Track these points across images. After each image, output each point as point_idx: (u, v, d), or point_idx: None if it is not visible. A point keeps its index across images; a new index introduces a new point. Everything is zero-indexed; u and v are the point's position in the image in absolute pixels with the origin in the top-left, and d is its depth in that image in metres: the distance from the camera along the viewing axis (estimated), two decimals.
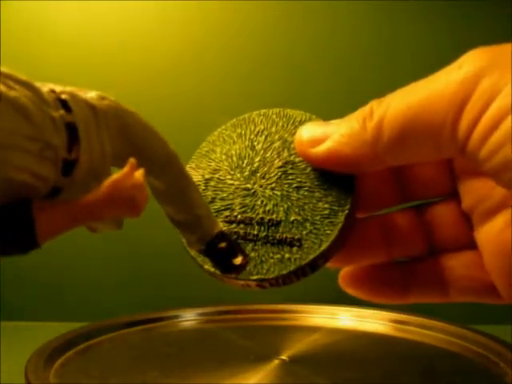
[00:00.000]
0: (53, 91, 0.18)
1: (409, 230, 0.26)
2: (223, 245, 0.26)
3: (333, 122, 0.23)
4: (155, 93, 0.70)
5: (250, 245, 0.27)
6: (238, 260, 0.26)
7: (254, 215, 0.27)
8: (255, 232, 0.27)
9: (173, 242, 0.76)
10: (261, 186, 0.27)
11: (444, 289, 0.25)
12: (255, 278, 0.26)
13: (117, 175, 0.18)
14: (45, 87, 0.19)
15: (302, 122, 0.26)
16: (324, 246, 0.25)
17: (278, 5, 0.68)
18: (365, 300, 0.28)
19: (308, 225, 0.26)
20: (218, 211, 0.28)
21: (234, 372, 0.41)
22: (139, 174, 0.18)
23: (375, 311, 0.54)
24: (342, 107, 0.26)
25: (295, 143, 0.25)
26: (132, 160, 0.18)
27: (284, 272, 0.26)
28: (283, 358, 0.43)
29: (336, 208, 0.25)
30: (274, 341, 0.46)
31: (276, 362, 0.42)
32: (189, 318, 0.56)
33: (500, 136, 0.18)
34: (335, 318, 0.54)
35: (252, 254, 0.26)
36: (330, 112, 0.28)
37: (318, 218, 0.26)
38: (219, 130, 0.30)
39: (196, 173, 0.30)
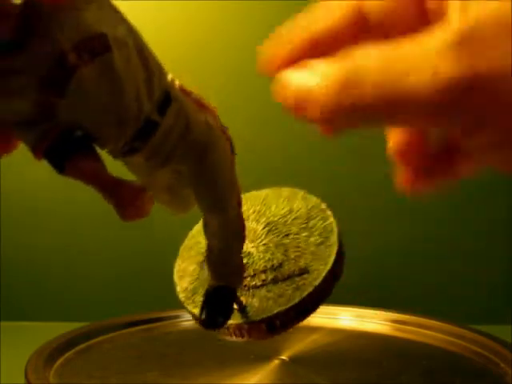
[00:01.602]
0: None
1: None
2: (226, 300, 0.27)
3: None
4: None
5: (263, 289, 0.28)
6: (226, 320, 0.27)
7: (256, 267, 0.29)
8: (263, 278, 0.28)
9: (173, 242, 0.76)
10: (253, 247, 0.29)
11: None
12: (274, 312, 0.27)
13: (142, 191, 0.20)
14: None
15: (266, 198, 0.30)
16: (329, 264, 0.27)
17: (279, 5, 0.68)
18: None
19: (308, 255, 0.28)
20: None
21: (234, 372, 0.41)
22: (149, 205, 0.20)
23: (375, 311, 0.54)
24: None
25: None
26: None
27: (305, 294, 0.27)
28: (283, 358, 0.43)
29: (326, 235, 0.28)
30: (274, 341, 0.46)
31: (276, 361, 0.42)
32: (189, 318, 0.55)
33: None
34: (335, 318, 0.54)
35: (269, 295, 0.27)
36: None
37: (313, 248, 0.28)
38: (197, 227, 0.34)
39: (187, 260, 0.32)
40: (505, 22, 0.18)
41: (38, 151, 0.19)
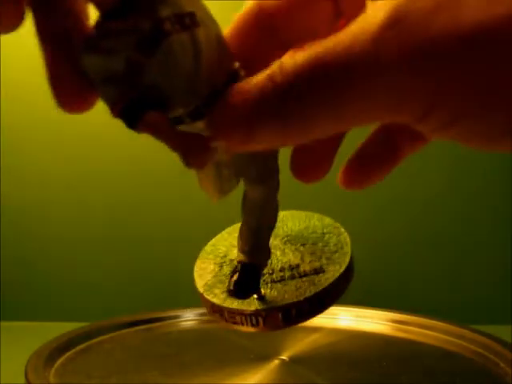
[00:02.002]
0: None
1: None
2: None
3: None
4: None
5: (281, 284, 0.29)
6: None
7: (274, 266, 0.30)
8: (281, 275, 0.30)
9: (173, 242, 0.76)
10: (271, 252, 0.31)
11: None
12: (290, 301, 0.28)
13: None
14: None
15: (282, 218, 0.32)
16: (344, 267, 0.30)
17: None
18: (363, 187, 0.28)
19: (323, 260, 0.30)
20: None
21: (234, 372, 0.41)
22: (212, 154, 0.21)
23: (375, 311, 0.54)
24: None
25: None
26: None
27: (320, 289, 0.29)
28: (283, 358, 0.43)
29: (340, 245, 0.31)
30: (273, 341, 0.46)
31: (276, 361, 0.42)
32: (189, 318, 0.56)
33: None
34: (335, 317, 0.54)
35: (286, 288, 0.29)
36: None
37: (328, 255, 0.30)
38: (217, 236, 0.36)
39: (207, 261, 0.34)
40: None
41: (115, 109, 0.22)
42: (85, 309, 0.69)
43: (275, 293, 0.29)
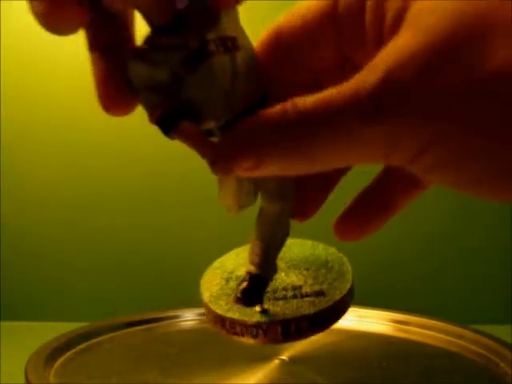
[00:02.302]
0: None
1: None
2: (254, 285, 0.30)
3: None
4: None
5: (282, 301, 0.31)
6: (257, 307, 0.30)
7: (277, 285, 0.32)
8: (284, 293, 0.32)
9: (173, 242, 0.76)
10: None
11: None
12: (290, 317, 0.30)
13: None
14: None
15: (289, 245, 0.33)
16: (344, 292, 0.31)
17: (282, 4, 0.68)
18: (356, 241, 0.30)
19: (325, 285, 0.32)
20: None
21: (234, 372, 0.41)
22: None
23: (375, 311, 0.54)
24: None
25: None
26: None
27: (319, 309, 0.30)
28: (283, 358, 0.43)
29: (342, 273, 0.33)
30: None
31: (276, 361, 0.42)
32: (189, 318, 0.56)
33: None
34: None
35: (287, 305, 0.31)
36: None
37: (330, 281, 0.32)
38: (225, 255, 0.37)
39: (214, 275, 0.34)
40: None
41: (153, 116, 0.24)
42: (85, 309, 0.69)
43: (277, 309, 0.30)
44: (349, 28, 0.23)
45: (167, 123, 0.24)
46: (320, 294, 0.31)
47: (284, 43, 0.25)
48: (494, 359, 0.43)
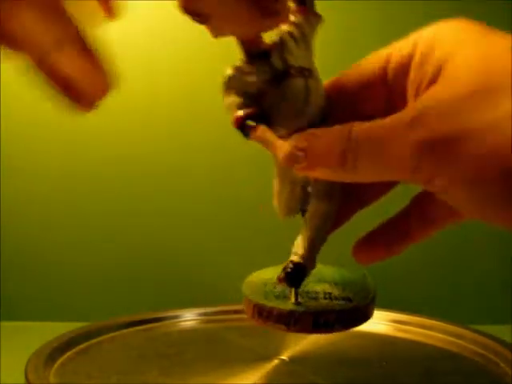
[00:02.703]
0: None
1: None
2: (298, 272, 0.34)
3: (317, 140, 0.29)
4: (156, 90, 0.70)
5: (314, 300, 0.35)
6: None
7: (310, 289, 0.36)
8: (316, 295, 0.35)
9: (173, 242, 0.76)
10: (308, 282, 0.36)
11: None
12: (321, 310, 0.34)
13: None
14: None
15: (320, 268, 0.36)
16: (368, 301, 0.35)
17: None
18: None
19: (351, 294, 0.36)
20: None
21: (234, 372, 0.41)
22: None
23: (375, 311, 0.54)
24: None
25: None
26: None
27: (346, 307, 0.34)
28: (283, 358, 0.43)
29: (366, 287, 0.37)
30: (273, 341, 0.46)
31: (276, 361, 0.42)
32: (189, 317, 0.56)
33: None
34: None
35: (318, 302, 0.35)
36: None
37: (356, 291, 0.36)
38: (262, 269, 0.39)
39: (254, 280, 0.38)
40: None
41: (236, 121, 0.30)
42: (85, 309, 0.69)
43: (309, 303, 0.34)
44: (396, 84, 0.29)
45: (247, 126, 0.30)
46: (347, 299, 0.35)
47: (343, 91, 0.31)
48: (494, 359, 0.43)
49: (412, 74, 0.28)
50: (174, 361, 0.44)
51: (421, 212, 0.33)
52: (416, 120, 0.25)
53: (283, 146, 0.29)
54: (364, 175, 0.27)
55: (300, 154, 0.28)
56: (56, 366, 0.42)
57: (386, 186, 0.34)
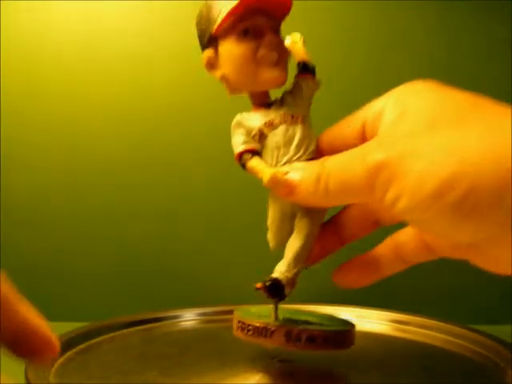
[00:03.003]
0: None
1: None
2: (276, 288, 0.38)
3: (297, 173, 0.34)
4: (156, 89, 0.70)
5: (292, 321, 0.39)
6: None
7: (290, 316, 0.41)
8: (296, 320, 0.40)
9: (173, 242, 0.76)
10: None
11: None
12: (293, 326, 0.38)
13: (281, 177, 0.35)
14: None
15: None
16: (345, 329, 0.40)
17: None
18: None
19: (330, 323, 0.41)
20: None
21: (234, 372, 0.41)
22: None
23: (375, 311, 0.54)
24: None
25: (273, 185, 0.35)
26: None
27: (320, 329, 0.38)
28: (283, 358, 0.43)
29: (345, 323, 0.42)
30: None
31: (276, 362, 0.42)
32: (189, 318, 0.56)
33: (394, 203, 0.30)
34: None
35: (295, 323, 0.39)
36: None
37: (334, 323, 0.41)
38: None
39: (242, 309, 0.43)
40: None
41: (237, 155, 0.37)
42: (85, 309, 0.69)
43: (287, 323, 0.39)
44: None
45: (244, 160, 0.37)
46: (322, 325, 0.40)
47: (327, 141, 0.38)
48: (493, 359, 0.43)
49: (383, 119, 0.34)
50: (174, 361, 0.44)
51: (394, 252, 0.38)
52: (370, 147, 0.31)
53: (268, 172, 0.34)
54: (335, 197, 0.32)
55: (281, 178, 0.34)
56: (56, 366, 0.42)
57: (367, 227, 0.39)
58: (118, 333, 0.51)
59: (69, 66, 0.70)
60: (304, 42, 0.39)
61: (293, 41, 0.39)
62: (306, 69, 0.39)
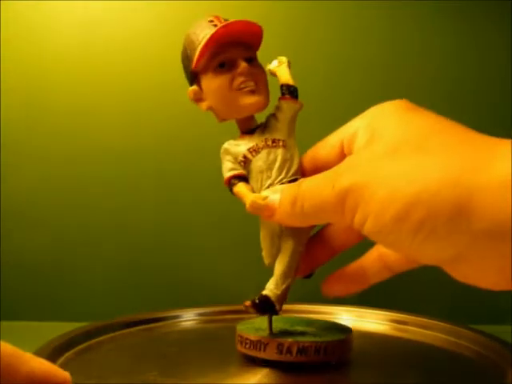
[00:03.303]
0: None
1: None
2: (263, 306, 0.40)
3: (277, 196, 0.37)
4: (155, 89, 0.70)
5: (287, 335, 0.42)
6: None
7: (287, 327, 0.44)
8: (291, 331, 0.43)
9: (173, 242, 0.76)
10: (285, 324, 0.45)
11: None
12: (285, 339, 0.41)
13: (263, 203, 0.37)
14: None
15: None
16: (336, 338, 0.42)
17: (284, 4, 0.68)
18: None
19: (323, 332, 0.43)
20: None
21: (234, 372, 0.41)
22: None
23: (375, 311, 0.54)
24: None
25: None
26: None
27: (310, 340, 0.41)
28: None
29: (342, 329, 0.44)
30: None
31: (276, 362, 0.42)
32: (189, 318, 0.56)
33: (362, 225, 0.31)
34: (335, 318, 0.54)
35: (289, 335, 0.42)
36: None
37: (328, 331, 0.43)
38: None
39: (245, 322, 0.45)
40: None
41: (225, 181, 0.40)
42: (85, 309, 0.69)
43: (281, 334, 0.42)
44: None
45: (232, 185, 0.40)
46: (316, 335, 0.42)
47: (310, 160, 0.40)
48: (494, 359, 0.43)
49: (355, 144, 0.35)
50: (175, 361, 0.44)
51: (379, 261, 0.40)
52: (340, 171, 0.32)
53: (249, 198, 0.38)
54: (310, 218, 0.35)
55: (262, 204, 0.37)
56: (56, 366, 0.42)
57: (354, 238, 0.41)
58: (118, 333, 0.51)
59: (69, 65, 0.70)
60: (289, 64, 0.42)
61: (278, 64, 0.41)
62: (288, 91, 0.41)
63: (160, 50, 0.70)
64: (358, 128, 0.35)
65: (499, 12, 0.67)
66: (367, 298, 0.53)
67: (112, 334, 0.50)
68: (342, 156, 0.37)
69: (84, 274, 0.70)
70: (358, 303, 0.55)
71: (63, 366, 0.42)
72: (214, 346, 0.48)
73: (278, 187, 0.38)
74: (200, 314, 0.56)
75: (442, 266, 0.32)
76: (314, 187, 0.34)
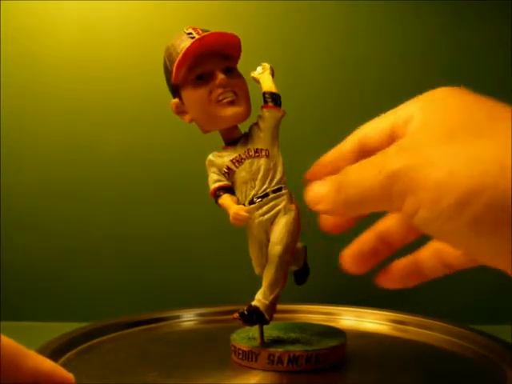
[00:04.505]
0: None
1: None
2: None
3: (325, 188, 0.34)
4: (154, 89, 0.70)
5: (278, 344, 0.42)
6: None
7: (280, 334, 0.45)
8: (283, 339, 0.43)
9: (173, 242, 0.76)
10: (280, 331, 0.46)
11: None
12: (276, 349, 0.41)
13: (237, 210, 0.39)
14: None
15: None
16: (326, 346, 0.42)
17: (283, 4, 0.68)
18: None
19: (315, 339, 0.43)
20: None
21: (234, 372, 0.41)
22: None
23: (375, 311, 0.54)
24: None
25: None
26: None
27: (301, 349, 0.41)
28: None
29: (337, 336, 0.44)
30: None
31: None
32: (189, 318, 0.56)
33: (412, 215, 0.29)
34: (336, 318, 0.54)
35: (279, 344, 0.42)
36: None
37: (321, 338, 0.43)
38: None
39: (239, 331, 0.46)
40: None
41: (211, 192, 0.41)
42: (85, 309, 0.69)
43: (272, 344, 0.42)
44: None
45: (217, 196, 0.41)
46: (308, 343, 0.42)
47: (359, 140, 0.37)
48: (494, 359, 0.43)
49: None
50: (175, 361, 0.44)
51: (436, 256, 0.37)
52: (389, 155, 0.30)
53: (232, 210, 0.39)
54: (355, 206, 0.32)
55: (244, 216, 0.39)
56: None
57: (412, 235, 0.38)
58: (118, 333, 0.51)
59: (68, 65, 0.70)
60: (272, 72, 0.42)
61: (261, 71, 0.42)
62: (271, 99, 0.41)
63: (160, 51, 0.70)
64: (412, 112, 0.33)
65: (499, 12, 0.67)
66: (367, 298, 0.53)
67: (113, 334, 0.50)
68: (391, 141, 0.35)
69: (84, 275, 0.70)
70: (359, 303, 0.55)
71: (64, 366, 0.42)
72: (214, 346, 0.48)
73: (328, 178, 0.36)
74: (200, 315, 0.56)
75: (506, 270, 0.29)
76: (358, 173, 0.32)
